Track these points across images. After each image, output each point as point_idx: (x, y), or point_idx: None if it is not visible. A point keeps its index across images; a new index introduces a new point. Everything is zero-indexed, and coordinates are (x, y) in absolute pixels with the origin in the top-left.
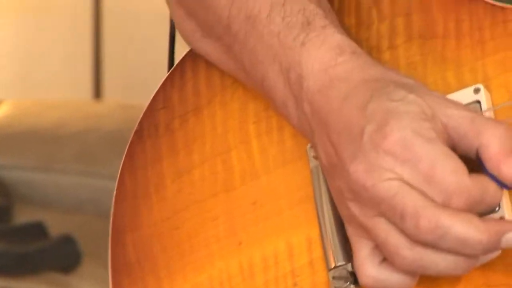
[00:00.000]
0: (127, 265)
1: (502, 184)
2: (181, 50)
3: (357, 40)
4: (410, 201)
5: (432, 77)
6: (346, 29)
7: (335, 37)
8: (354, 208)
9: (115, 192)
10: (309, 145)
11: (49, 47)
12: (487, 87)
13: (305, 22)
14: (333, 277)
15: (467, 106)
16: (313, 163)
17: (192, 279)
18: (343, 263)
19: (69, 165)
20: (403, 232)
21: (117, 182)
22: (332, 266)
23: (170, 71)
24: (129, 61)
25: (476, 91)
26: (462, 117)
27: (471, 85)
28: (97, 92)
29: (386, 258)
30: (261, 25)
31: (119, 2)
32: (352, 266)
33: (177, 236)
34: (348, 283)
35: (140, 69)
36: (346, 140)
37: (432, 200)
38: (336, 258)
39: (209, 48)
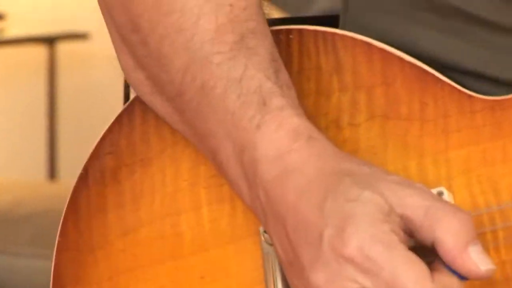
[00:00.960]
0: None
1: (462, 277)
2: None
3: (316, 113)
4: None
5: (393, 165)
6: (305, 96)
7: (291, 120)
8: None
9: (57, 241)
10: (262, 228)
11: (3, 126)
12: (450, 187)
13: (261, 102)
14: None
15: (424, 190)
16: (266, 248)
17: None
18: None
19: (24, 247)
20: None
21: (59, 230)
22: None
23: (118, 114)
24: (84, 140)
25: (439, 194)
26: (417, 208)
27: (433, 179)
28: (52, 172)
29: None
30: (215, 99)
31: (74, 80)
32: None
33: None
34: None
35: None
36: (304, 240)
37: None
38: None
39: (159, 105)
